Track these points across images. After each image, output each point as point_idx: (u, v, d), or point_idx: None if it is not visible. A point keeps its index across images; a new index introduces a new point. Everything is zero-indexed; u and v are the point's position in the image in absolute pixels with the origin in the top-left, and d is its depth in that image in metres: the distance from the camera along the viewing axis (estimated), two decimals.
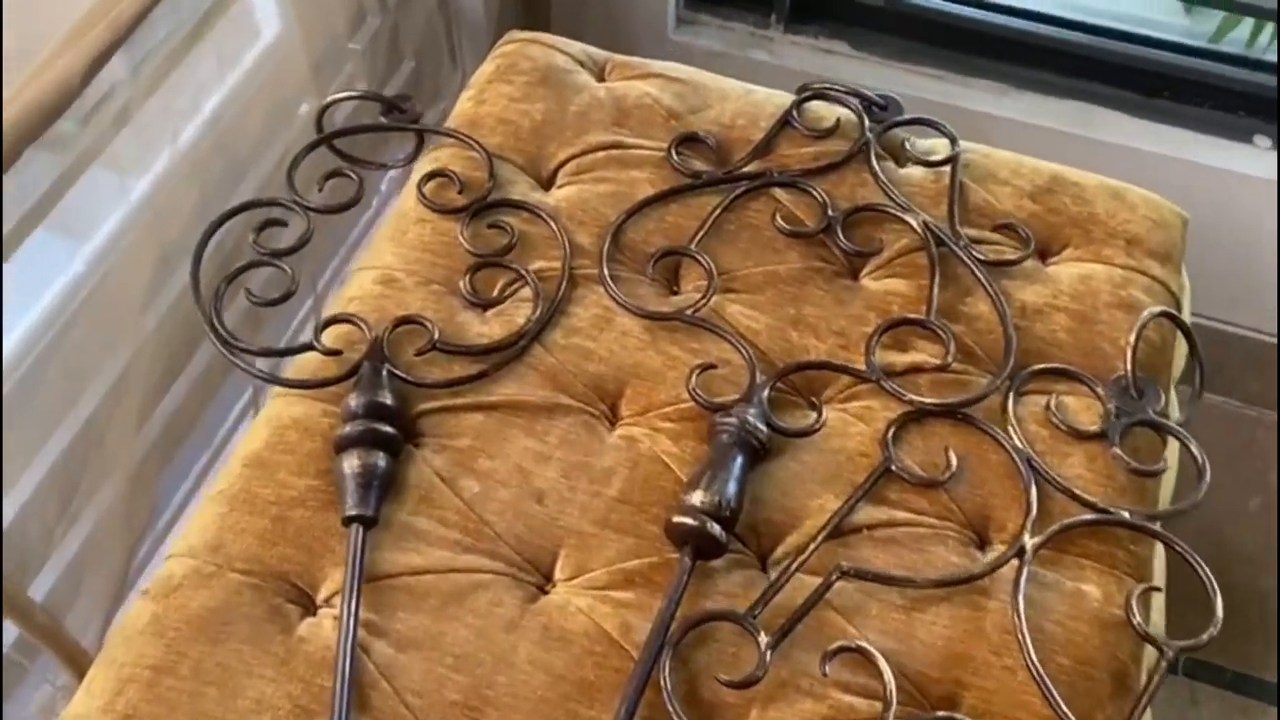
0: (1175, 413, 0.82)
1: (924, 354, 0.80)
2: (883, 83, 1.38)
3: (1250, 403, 1.49)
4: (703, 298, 0.81)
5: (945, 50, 1.38)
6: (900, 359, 0.79)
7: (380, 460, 0.71)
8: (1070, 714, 0.63)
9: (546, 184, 0.90)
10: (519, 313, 0.81)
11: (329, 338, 0.78)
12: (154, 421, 0.88)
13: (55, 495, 0.77)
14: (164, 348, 0.86)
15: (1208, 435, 1.46)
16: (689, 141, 0.91)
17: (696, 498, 0.69)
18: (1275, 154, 1.31)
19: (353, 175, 0.86)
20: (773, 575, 0.70)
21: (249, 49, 1.00)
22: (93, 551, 0.82)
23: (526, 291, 0.82)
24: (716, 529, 0.68)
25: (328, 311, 0.82)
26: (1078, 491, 0.73)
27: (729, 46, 1.42)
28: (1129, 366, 0.77)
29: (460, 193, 0.87)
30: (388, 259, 0.84)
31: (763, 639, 0.65)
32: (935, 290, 0.81)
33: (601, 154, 0.90)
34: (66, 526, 0.80)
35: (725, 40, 1.43)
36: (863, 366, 0.78)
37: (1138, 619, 0.67)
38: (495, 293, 0.82)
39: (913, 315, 0.80)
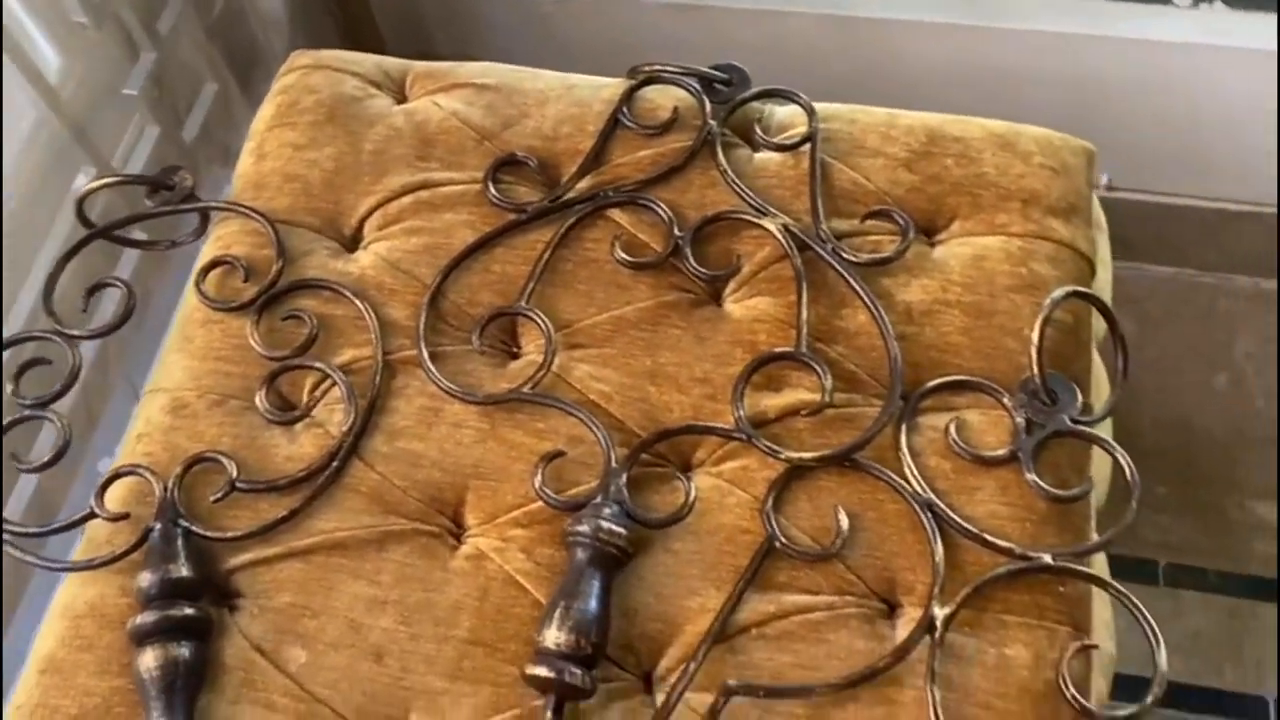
0: (1102, 400, 0.71)
1: (801, 389, 0.69)
2: None
3: (1206, 270, 1.39)
4: (541, 368, 0.69)
5: None
6: (774, 402, 0.68)
7: (184, 650, 0.61)
8: None
9: (351, 244, 0.78)
10: (332, 419, 0.69)
11: (115, 495, 0.67)
12: None
13: None
14: None
15: (1162, 311, 1.37)
16: (508, 166, 0.78)
17: (550, 638, 0.59)
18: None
19: (120, 285, 0.74)
20: (658, 698, 0.61)
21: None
22: None
23: (338, 391, 0.70)
24: (577, 674, 0.58)
25: (118, 457, 0.70)
26: (990, 537, 0.63)
27: None
28: (1036, 368, 0.66)
29: (247, 280, 0.74)
30: (177, 376, 0.72)
31: None
32: (804, 312, 0.69)
33: (408, 199, 0.77)
34: None
35: None
36: (731, 422, 0.67)
37: (1071, 691, 0.58)
38: (304, 397, 0.71)
39: (780, 349, 0.69)
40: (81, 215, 0.77)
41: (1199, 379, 1.32)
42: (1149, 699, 0.58)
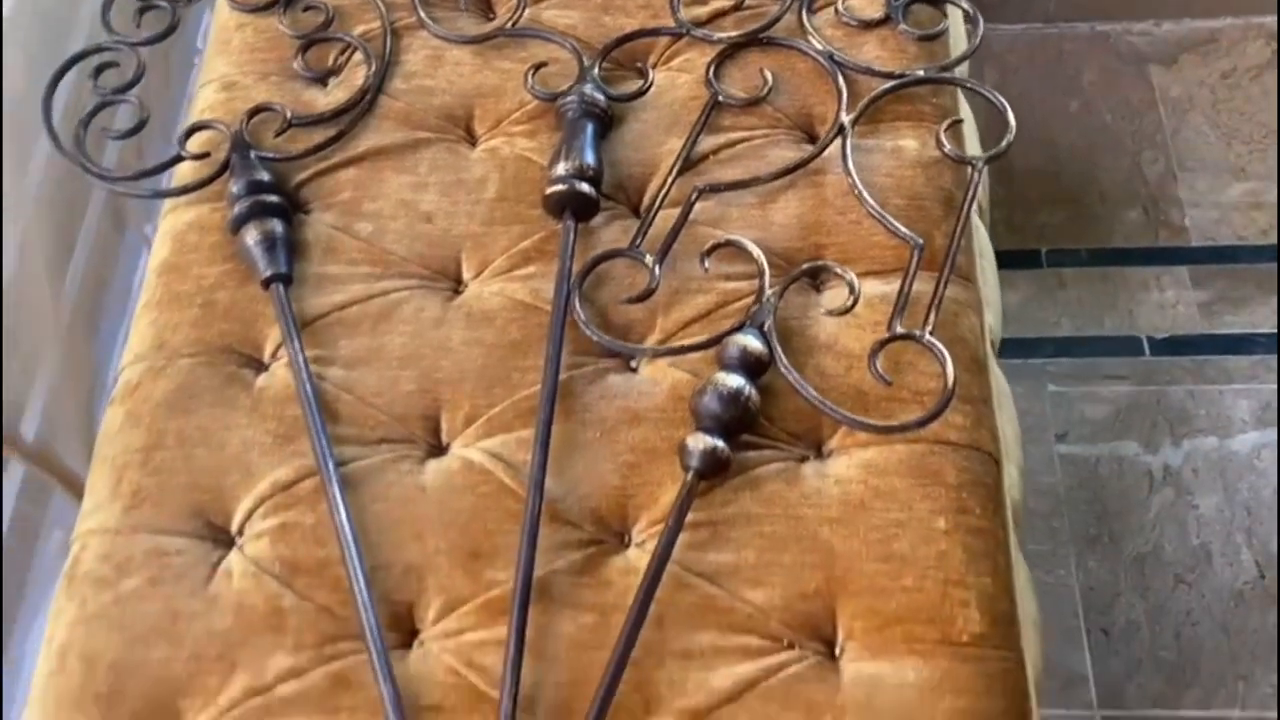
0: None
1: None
2: None
3: (1050, 22, 1.62)
4: (516, 10, 0.88)
5: None
6: (703, 10, 0.88)
7: (277, 226, 0.78)
8: (911, 233, 0.75)
9: None
10: (358, 75, 0.87)
11: (193, 146, 0.84)
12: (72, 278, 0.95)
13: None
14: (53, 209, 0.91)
15: (1019, 60, 1.60)
16: None
17: (560, 168, 0.78)
18: None
19: (164, 4, 0.90)
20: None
21: None
22: (59, 392, 0.90)
23: (359, 56, 0.87)
24: (585, 187, 0.77)
25: (184, 125, 0.87)
26: (877, 68, 0.83)
27: None
28: None
29: None
30: (222, 69, 0.89)
31: (649, 258, 0.75)
32: None
33: None
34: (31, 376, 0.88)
35: None
36: (673, 25, 0.86)
37: (948, 147, 0.79)
38: (330, 65, 0.88)
39: None
40: None
41: (1056, 107, 1.56)
42: (1004, 144, 0.78)
